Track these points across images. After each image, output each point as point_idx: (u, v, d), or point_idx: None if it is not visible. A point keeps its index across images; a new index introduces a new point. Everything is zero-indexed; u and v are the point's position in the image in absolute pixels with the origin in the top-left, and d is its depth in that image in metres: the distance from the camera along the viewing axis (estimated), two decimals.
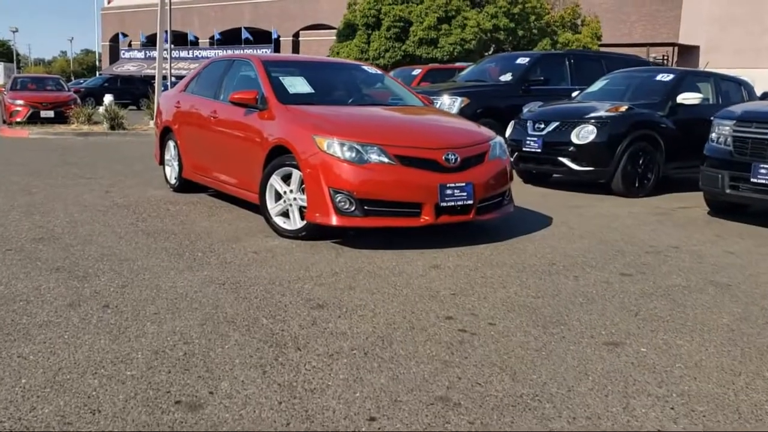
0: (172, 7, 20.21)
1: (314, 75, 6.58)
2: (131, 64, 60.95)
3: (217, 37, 55.34)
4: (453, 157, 5.30)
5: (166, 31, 23.36)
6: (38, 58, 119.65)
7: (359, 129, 5.41)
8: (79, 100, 20.07)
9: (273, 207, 5.69)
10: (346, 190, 5.08)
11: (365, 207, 5.11)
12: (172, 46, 37.20)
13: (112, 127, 16.57)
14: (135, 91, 35.27)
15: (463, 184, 5.27)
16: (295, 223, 5.55)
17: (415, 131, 5.65)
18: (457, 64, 17.27)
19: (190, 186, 7.67)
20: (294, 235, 5.55)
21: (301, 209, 5.51)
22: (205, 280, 4.39)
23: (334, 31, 49.26)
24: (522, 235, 5.96)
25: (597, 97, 9.53)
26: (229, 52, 54.64)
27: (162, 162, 8.20)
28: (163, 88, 37.06)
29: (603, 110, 8.50)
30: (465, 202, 5.29)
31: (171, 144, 7.86)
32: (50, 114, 18.45)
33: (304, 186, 5.41)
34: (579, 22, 27.73)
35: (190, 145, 7.33)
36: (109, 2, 58.45)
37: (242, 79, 6.81)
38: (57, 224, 5.94)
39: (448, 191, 5.20)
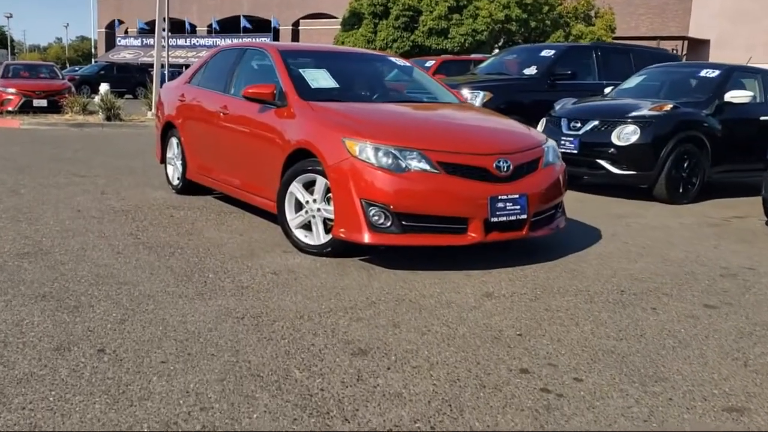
0: None
1: (337, 67, 5.84)
2: (127, 51, 60.04)
3: (215, 25, 54.43)
4: (505, 164, 4.58)
5: (164, 19, 22.53)
6: (33, 44, 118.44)
7: (396, 131, 4.70)
8: (73, 89, 19.30)
9: (293, 218, 4.98)
10: (382, 203, 4.36)
11: (403, 222, 4.40)
12: (170, 34, 36.38)
13: (108, 118, 15.80)
14: (131, 80, 34.55)
15: (516, 196, 4.56)
16: (319, 237, 4.83)
17: (460, 133, 4.93)
18: (473, 56, 16.52)
19: (195, 187, 6.96)
20: (317, 251, 4.84)
21: (325, 221, 4.81)
22: (219, 312, 3.67)
23: (335, 20, 48.44)
24: (574, 253, 5.25)
25: (633, 94, 8.82)
26: (228, 41, 53.78)
27: (163, 160, 7.47)
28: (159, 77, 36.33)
29: (646, 109, 7.78)
30: (518, 217, 4.58)
31: (174, 141, 7.13)
32: (43, 103, 17.68)
33: (330, 195, 4.70)
34: (592, 13, 26.95)
35: (195, 144, 6.60)
36: None
37: (256, 71, 6.09)
38: (46, 234, 5.22)
39: (500, 204, 4.48)
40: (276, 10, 52.31)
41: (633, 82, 9.20)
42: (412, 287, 4.23)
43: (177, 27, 52.18)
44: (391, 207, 4.35)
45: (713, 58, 33.34)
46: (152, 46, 57.77)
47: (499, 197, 4.48)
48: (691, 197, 7.88)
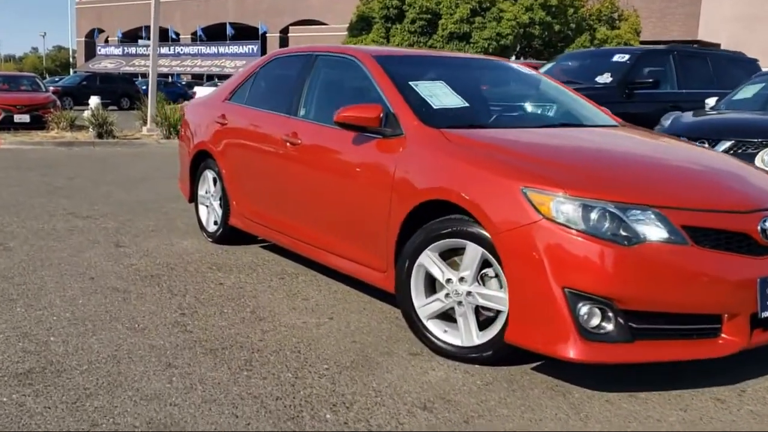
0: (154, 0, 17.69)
1: (452, 78, 4.23)
2: (108, 61, 58.30)
3: (200, 33, 52.68)
4: None
5: (148, 27, 20.77)
6: (8, 54, 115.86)
7: (607, 175, 3.11)
8: (58, 103, 17.51)
9: (424, 304, 3.37)
10: (600, 295, 2.76)
11: (632, 325, 2.79)
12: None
13: (100, 135, 14.06)
14: (116, 90, 32.73)
15: None
16: (470, 336, 3.22)
17: (695, 178, 3.33)
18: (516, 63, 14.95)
19: (237, 234, 5.34)
20: (467, 356, 3.22)
21: (478, 310, 3.20)
22: None
23: (326, 26, 46.87)
24: None
25: (753, 106, 7.29)
26: (214, 49, 52.07)
27: (193, 199, 5.82)
28: (143, 87, 34.37)
29: None
30: None
31: (209, 176, 5.50)
32: (26, 118, 15.92)
33: (487, 272, 3.11)
34: (616, 16, 25.50)
35: (245, 181, 4.98)
36: None
37: (338, 86, 4.52)
38: (53, 327, 3.57)
39: None
40: (263, 17, 50.66)
41: (749, 91, 7.67)
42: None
43: (160, 35, 50.39)
44: (616, 302, 2.75)
45: None
46: (135, 56, 56.20)
47: None
48: None
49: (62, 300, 4.00)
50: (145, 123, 15.94)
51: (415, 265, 3.36)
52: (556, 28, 22.08)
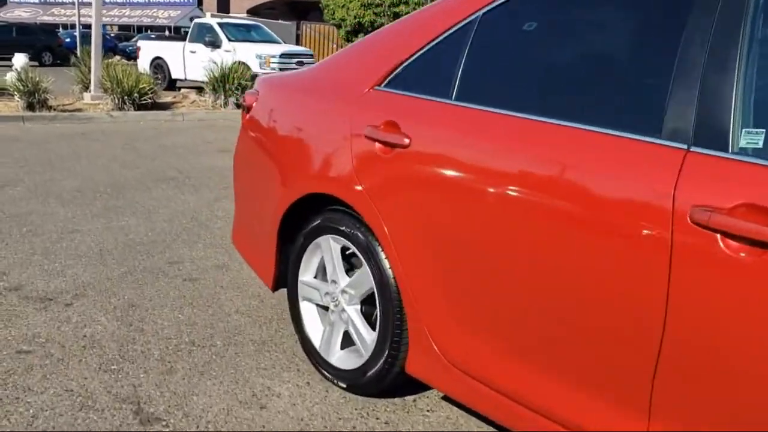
0: None
1: None
2: (23, 9, 52.77)
3: None
4: None
5: None
6: None
7: None
8: None
9: None
10: None
11: None
12: None
13: (31, 106, 10.55)
14: (36, 44, 28.48)
15: None
16: None
17: None
18: None
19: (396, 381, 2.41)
20: None
21: None
22: None
23: None
24: None
25: None
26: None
27: (282, 284, 2.81)
28: (67, 40, 29.82)
29: None
30: None
31: (334, 248, 2.53)
32: None
33: None
34: None
35: (473, 285, 2.02)
36: None
37: None
38: None
39: None
40: None
41: None
42: None
43: None
44: None
45: None
46: (54, 4, 50.65)
47: None
48: None
49: None
50: (86, 88, 12.44)
51: None
52: None
